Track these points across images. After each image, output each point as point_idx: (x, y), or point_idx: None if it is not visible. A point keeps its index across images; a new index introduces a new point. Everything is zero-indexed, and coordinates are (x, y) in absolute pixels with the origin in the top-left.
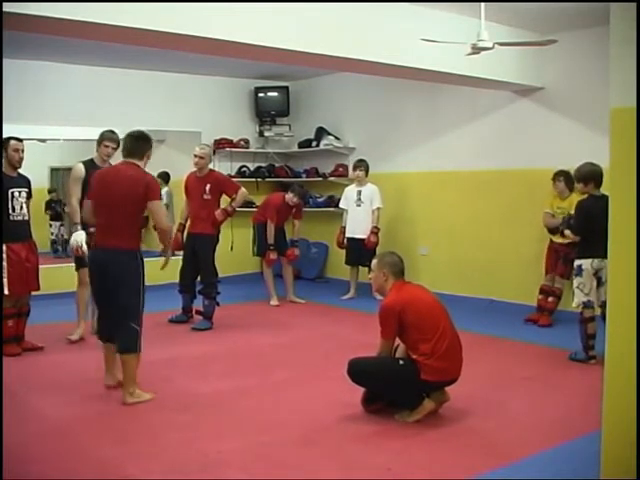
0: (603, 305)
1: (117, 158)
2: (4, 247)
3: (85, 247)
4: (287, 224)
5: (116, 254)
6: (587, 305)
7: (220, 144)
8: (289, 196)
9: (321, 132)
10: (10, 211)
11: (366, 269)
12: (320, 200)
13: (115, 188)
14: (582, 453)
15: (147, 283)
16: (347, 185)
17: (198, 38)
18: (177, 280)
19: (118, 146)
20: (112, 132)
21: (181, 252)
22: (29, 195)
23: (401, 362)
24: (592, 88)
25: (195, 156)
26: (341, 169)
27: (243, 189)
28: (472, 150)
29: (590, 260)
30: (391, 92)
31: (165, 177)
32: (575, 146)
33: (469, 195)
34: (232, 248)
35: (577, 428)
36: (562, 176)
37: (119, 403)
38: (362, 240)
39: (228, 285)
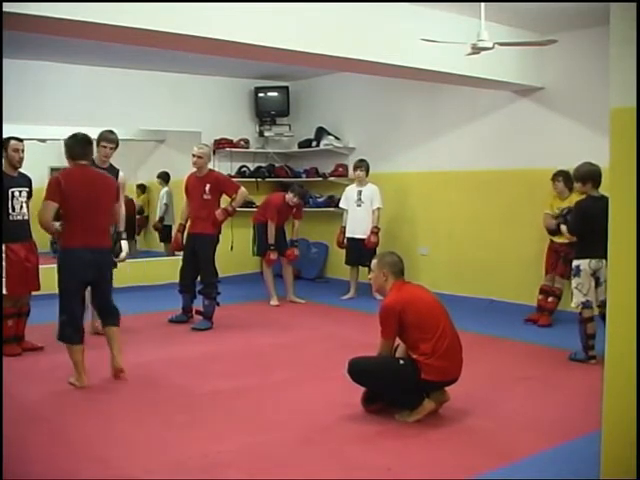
0: (602, 305)
1: (116, 158)
2: (3, 247)
3: None
4: (287, 224)
5: (108, 254)
6: (586, 305)
7: (220, 144)
8: (289, 196)
9: (321, 132)
10: (10, 210)
11: (366, 269)
12: (320, 200)
13: (97, 191)
14: (582, 453)
15: (147, 283)
16: (347, 185)
17: (198, 38)
18: (177, 280)
19: (117, 146)
20: (110, 132)
21: (181, 252)
22: (29, 195)
23: (401, 362)
24: (592, 88)
25: (193, 156)
26: (341, 169)
27: (243, 189)
28: (472, 150)
29: (588, 260)
30: (391, 92)
31: (165, 177)
32: (575, 146)
33: (469, 195)
34: (232, 248)
35: (577, 428)
36: (561, 176)
37: (119, 403)
38: (362, 240)
39: (228, 285)
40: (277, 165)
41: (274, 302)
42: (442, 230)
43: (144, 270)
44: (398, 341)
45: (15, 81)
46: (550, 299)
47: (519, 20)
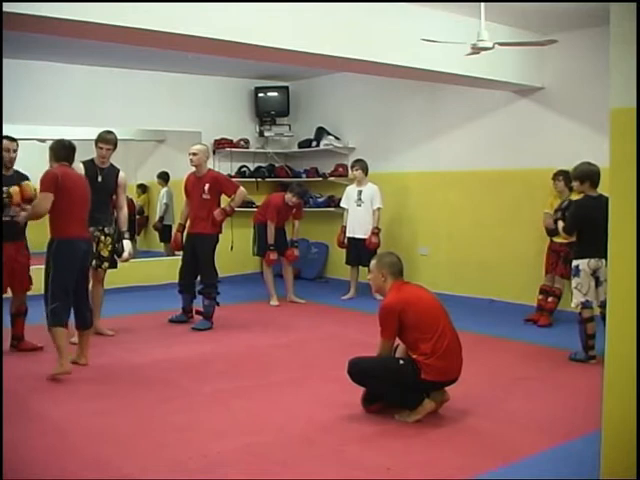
0: (602, 305)
1: (115, 158)
2: None
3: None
4: (287, 224)
5: (92, 245)
6: (586, 305)
7: (220, 144)
8: (288, 196)
9: (321, 132)
10: None
11: (366, 269)
12: (320, 200)
13: (81, 187)
14: (582, 453)
15: (147, 283)
16: (347, 185)
17: (198, 38)
18: (177, 280)
19: (115, 147)
20: (107, 133)
21: (181, 252)
22: None
23: (401, 362)
24: (592, 88)
25: (189, 154)
26: (341, 169)
27: (242, 189)
28: (472, 150)
29: (587, 260)
30: (391, 92)
31: (165, 177)
32: (575, 146)
33: (469, 195)
34: (232, 248)
35: (577, 428)
36: (562, 176)
37: (119, 403)
38: (362, 240)
39: (228, 285)
40: (277, 165)
41: (274, 302)
42: (442, 230)
43: (144, 270)
44: (398, 341)
45: (15, 81)
46: (550, 299)
47: (519, 20)
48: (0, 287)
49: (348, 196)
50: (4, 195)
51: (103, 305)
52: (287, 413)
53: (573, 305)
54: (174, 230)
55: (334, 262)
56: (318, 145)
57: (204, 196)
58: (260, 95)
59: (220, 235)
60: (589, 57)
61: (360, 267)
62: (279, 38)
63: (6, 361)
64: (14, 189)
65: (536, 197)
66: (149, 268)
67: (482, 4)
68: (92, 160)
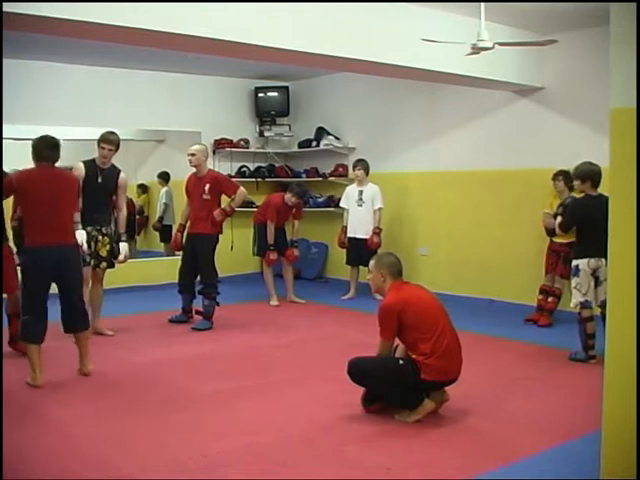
0: (602, 305)
1: (116, 158)
2: None
3: (85, 246)
4: (287, 224)
5: (70, 251)
6: (585, 305)
7: (220, 144)
8: (287, 196)
9: (321, 132)
10: None
11: (367, 269)
12: (320, 200)
13: (57, 189)
14: (582, 453)
15: (147, 283)
16: (347, 185)
17: (198, 38)
18: (177, 280)
19: (117, 148)
20: (110, 133)
21: (181, 252)
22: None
23: (401, 362)
24: (592, 88)
25: (187, 154)
26: (341, 169)
27: (242, 189)
28: (472, 150)
29: (587, 260)
30: (391, 92)
31: (165, 177)
32: (575, 146)
33: (469, 195)
34: (232, 248)
35: (577, 428)
36: (562, 175)
37: (119, 403)
38: (363, 240)
39: (228, 285)
40: (277, 165)
41: (274, 302)
42: (442, 230)
43: (144, 270)
44: (397, 341)
45: (15, 81)
46: (550, 299)
47: (519, 20)
48: (0, 287)
49: (348, 196)
50: None
51: (103, 305)
52: (287, 413)
53: (572, 305)
54: (174, 230)
55: (334, 262)
56: (318, 145)
57: (204, 196)
58: (260, 95)
59: (220, 235)
60: (589, 57)
61: (361, 267)
62: (279, 38)
63: (6, 361)
64: None
65: (536, 197)
66: (149, 268)
67: (482, 4)
68: (93, 160)
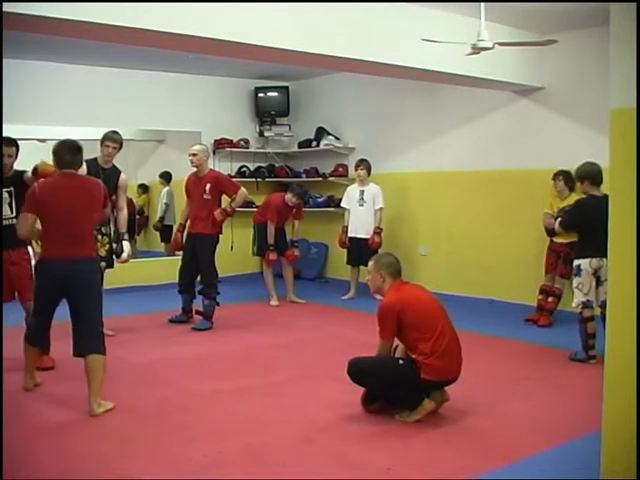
0: (603, 305)
1: (116, 158)
2: None
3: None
4: (287, 224)
5: (87, 263)
6: (586, 305)
7: (220, 144)
8: (288, 196)
9: (321, 132)
10: None
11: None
12: (320, 200)
13: (77, 200)
14: (582, 453)
15: (147, 283)
16: (347, 185)
17: (198, 38)
18: (177, 280)
19: (120, 147)
20: (114, 132)
21: (181, 252)
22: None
23: (401, 362)
24: (592, 88)
25: (189, 155)
26: (341, 169)
27: (243, 189)
28: (472, 150)
29: (589, 260)
30: (391, 92)
31: (167, 177)
32: (575, 146)
33: (469, 195)
34: (232, 248)
35: (577, 428)
36: (562, 175)
37: (119, 403)
38: (364, 240)
39: (228, 285)
40: (277, 165)
41: (274, 302)
42: (442, 230)
43: (144, 270)
44: (397, 341)
45: (15, 81)
46: (550, 299)
47: (519, 20)
48: (0, 292)
49: (349, 196)
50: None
51: (103, 305)
52: (287, 413)
53: (574, 305)
54: (175, 230)
55: (334, 262)
56: (318, 145)
57: (205, 196)
58: (260, 95)
59: (220, 235)
60: (589, 57)
61: (361, 267)
62: (279, 38)
63: (6, 362)
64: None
65: (536, 197)
66: (149, 268)
67: (482, 4)
68: (95, 159)
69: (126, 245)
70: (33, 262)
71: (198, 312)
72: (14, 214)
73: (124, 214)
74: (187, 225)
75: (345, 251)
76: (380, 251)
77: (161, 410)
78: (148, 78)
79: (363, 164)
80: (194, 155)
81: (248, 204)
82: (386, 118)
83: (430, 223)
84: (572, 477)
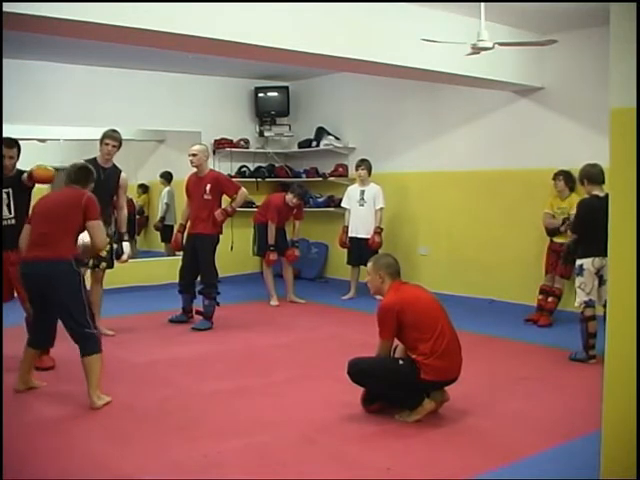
0: (605, 305)
1: (116, 158)
2: None
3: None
4: (287, 224)
5: (58, 264)
6: (588, 304)
7: (220, 144)
8: (289, 197)
9: (321, 132)
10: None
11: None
12: (320, 200)
13: (58, 204)
14: (582, 453)
15: (147, 283)
16: (347, 185)
17: (198, 38)
18: (177, 280)
19: (120, 145)
20: (114, 131)
21: (181, 252)
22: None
23: (400, 362)
24: (592, 88)
25: (189, 155)
26: (341, 169)
27: (243, 189)
28: (472, 150)
29: (591, 259)
30: (391, 92)
31: (167, 177)
32: (575, 146)
33: (469, 195)
34: (232, 248)
35: (577, 428)
36: (562, 175)
37: (118, 403)
38: (365, 240)
39: (228, 285)
40: (277, 165)
41: (274, 302)
42: (442, 230)
43: (144, 270)
44: (397, 341)
45: (15, 81)
46: (550, 299)
47: (519, 20)
48: (0, 291)
49: (350, 196)
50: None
51: (103, 305)
52: (287, 413)
53: (576, 304)
54: (175, 230)
55: (334, 262)
56: (318, 145)
57: (205, 196)
58: (260, 95)
59: (220, 235)
60: (589, 57)
61: (361, 267)
62: (279, 38)
63: (6, 362)
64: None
65: (536, 197)
66: (149, 268)
67: (482, 4)
68: (94, 159)
69: (126, 246)
70: None
71: (198, 312)
72: (13, 215)
73: (124, 213)
74: (187, 225)
75: (345, 251)
76: (380, 251)
77: (161, 410)
78: (148, 78)
79: (364, 164)
80: (194, 155)
81: (248, 204)
82: (386, 118)
83: (430, 223)
84: (572, 477)
